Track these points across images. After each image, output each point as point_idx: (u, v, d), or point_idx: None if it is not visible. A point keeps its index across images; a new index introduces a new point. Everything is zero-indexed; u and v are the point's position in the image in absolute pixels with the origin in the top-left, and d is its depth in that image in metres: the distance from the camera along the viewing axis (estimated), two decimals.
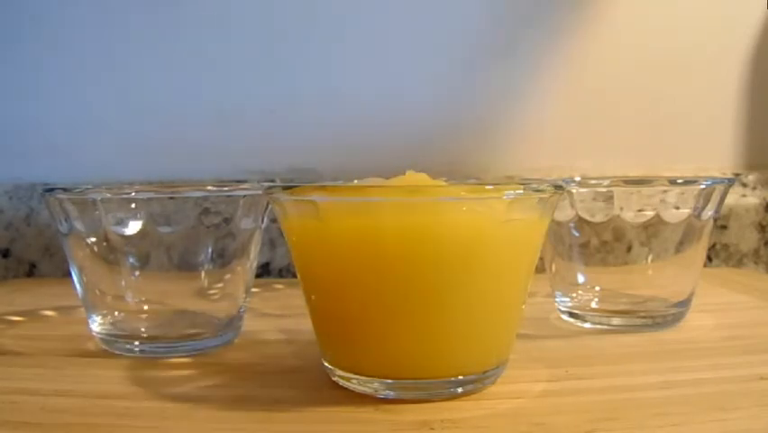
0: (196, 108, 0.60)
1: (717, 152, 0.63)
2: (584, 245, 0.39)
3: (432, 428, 0.24)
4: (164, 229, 0.33)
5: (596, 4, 0.61)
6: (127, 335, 0.33)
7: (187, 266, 0.34)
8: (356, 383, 0.27)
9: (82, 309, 0.35)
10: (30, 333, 0.38)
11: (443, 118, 0.60)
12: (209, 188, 0.35)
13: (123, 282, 0.33)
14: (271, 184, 0.28)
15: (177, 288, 0.34)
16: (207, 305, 0.35)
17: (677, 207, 0.38)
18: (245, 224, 0.34)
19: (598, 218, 0.39)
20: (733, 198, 0.60)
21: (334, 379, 0.28)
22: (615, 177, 0.40)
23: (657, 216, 0.38)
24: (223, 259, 0.34)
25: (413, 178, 0.28)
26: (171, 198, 0.34)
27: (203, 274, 0.34)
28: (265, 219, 0.37)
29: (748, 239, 0.61)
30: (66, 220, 0.34)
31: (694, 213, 0.37)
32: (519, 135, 0.61)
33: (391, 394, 0.27)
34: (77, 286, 0.35)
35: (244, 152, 0.59)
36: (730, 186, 0.38)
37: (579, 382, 0.29)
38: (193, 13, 0.59)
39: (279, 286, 0.54)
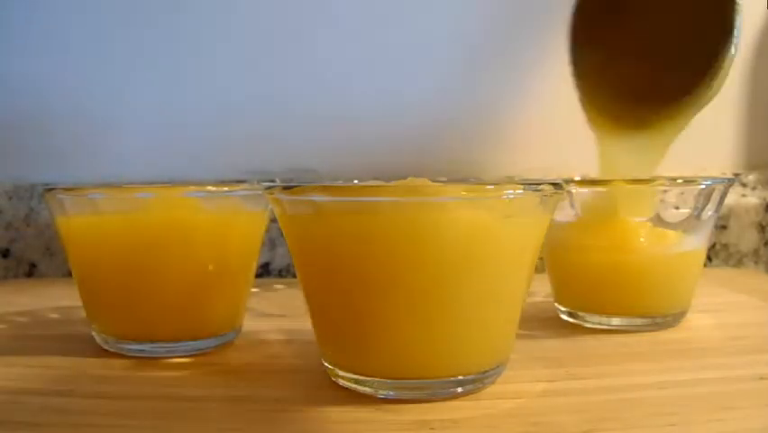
0: (196, 108, 0.60)
1: (717, 152, 0.63)
2: None
3: (432, 428, 0.24)
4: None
5: None
6: (127, 334, 0.33)
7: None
8: (356, 383, 0.27)
9: (82, 309, 0.35)
10: (30, 333, 0.38)
11: (442, 118, 0.60)
12: (209, 188, 0.35)
13: (125, 283, 0.33)
14: (271, 184, 0.28)
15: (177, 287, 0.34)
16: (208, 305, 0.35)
17: (677, 207, 0.38)
18: None
19: (598, 218, 0.38)
20: (733, 198, 0.60)
21: (334, 379, 0.28)
22: (615, 177, 0.40)
23: (657, 216, 0.38)
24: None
25: (414, 181, 0.28)
26: None
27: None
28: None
29: (748, 239, 0.61)
30: (66, 219, 0.34)
31: (694, 213, 0.37)
32: (519, 135, 0.61)
33: (391, 394, 0.27)
34: (78, 286, 0.35)
35: (244, 152, 0.59)
36: (730, 186, 0.38)
37: (579, 382, 0.29)
38: (193, 13, 0.59)
39: (279, 286, 0.54)
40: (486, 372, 0.27)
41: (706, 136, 0.62)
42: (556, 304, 0.40)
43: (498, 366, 0.28)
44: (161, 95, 0.60)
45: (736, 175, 0.61)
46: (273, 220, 0.32)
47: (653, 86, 0.37)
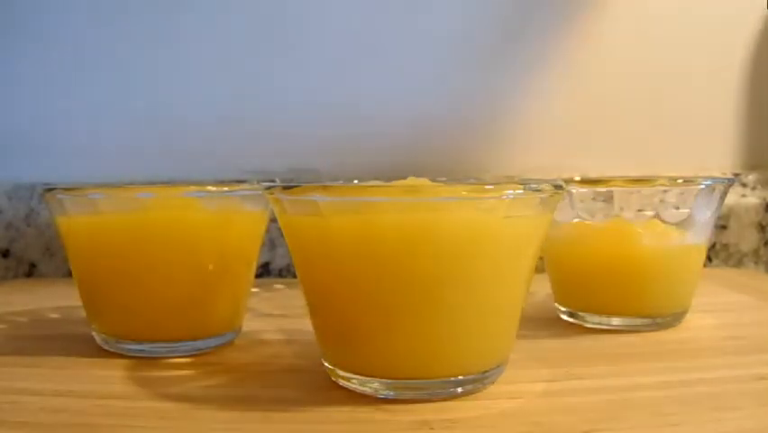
0: (196, 108, 0.60)
1: (717, 151, 0.63)
2: None
3: (432, 428, 0.24)
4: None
5: (596, 5, 0.61)
6: (127, 334, 0.33)
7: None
8: (356, 383, 0.27)
9: (82, 309, 0.35)
10: (30, 333, 0.38)
11: (442, 118, 0.61)
12: (209, 188, 0.35)
13: (124, 282, 0.33)
14: (271, 184, 0.28)
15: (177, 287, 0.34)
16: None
17: (677, 207, 0.38)
18: None
19: (598, 218, 0.39)
20: (733, 198, 0.60)
21: (334, 379, 0.28)
22: (615, 177, 0.40)
23: (657, 215, 0.38)
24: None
25: (414, 181, 0.29)
26: None
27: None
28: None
29: (748, 239, 0.61)
30: (66, 219, 0.34)
31: (694, 213, 0.37)
32: (519, 135, 0.61)
33: (391, 394, 0.27)
34: (78, 286, 0.35)
35: (244, 152, 0.59)
36: (730, 186, 0.38)
37: (579, 382, 0.29)
38: (193, 14, 0.59)
39: (279, 286, 0.54)
40: (486, 372, 0.27)
41: (706, 136, 0.62)
42: (556, 304, 0.40)
43: (498, 366, 0.28)
44: (162, 95, 0.60)
45: (736, 175, 0.61)
46: (273, 220, 0.32)
47: None
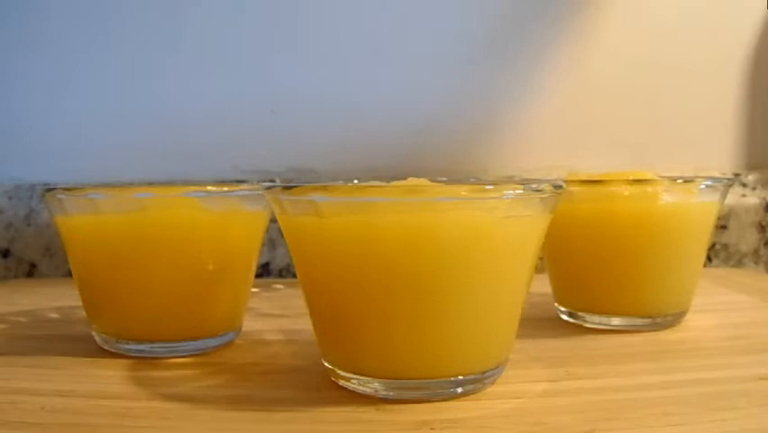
0: (196, 108, 0.60)
1: (717, 152, 0.63)
2: None
3: (432, 428, 0.24)
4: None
5: (596, 5, 0.61)
6: (127, 334, 0.33)
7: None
8: (356, 383, 0.27)
9: (82, 309, 0.35)
10: (30, 333, 0.38)
11: (442, 118, 0.61)
12: (209, 188, 0.35)
13: (125, 283, 0.33)
14: (271, 184, 0.28)
15: (177, 287, 0.34)
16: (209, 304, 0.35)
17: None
18: None
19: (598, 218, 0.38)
20: (733, 198, 0.60)
21: (334, 379, 0.28)
22: (615, 177, 0.40)
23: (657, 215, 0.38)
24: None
25: (414, 181, 0.29)
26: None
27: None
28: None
29: (748, 239, 0.61)
30: (66, 219, 0.34)
31: (694, 213, 0.37)
32: (519, 135, 0.61)
33: (391, 394, 0.27)
34: (78, 286, 0.35)
35: (244, 152, 0.59)
36: (730, 186, 0.38)
37: (579, 382, 0.29)
38: (194, 14, 0.59)
39: (279, 286, 0.54)
40: (486, 372, 0.27)
41: (706, 136, 0.62)
42: (556, 304, 0.40)
43: (498, 366, 0.28)
44: (161, 95, 0.60)
45: (736, 175, 0.61)
46: (273, 220, 0.32)
47: None
